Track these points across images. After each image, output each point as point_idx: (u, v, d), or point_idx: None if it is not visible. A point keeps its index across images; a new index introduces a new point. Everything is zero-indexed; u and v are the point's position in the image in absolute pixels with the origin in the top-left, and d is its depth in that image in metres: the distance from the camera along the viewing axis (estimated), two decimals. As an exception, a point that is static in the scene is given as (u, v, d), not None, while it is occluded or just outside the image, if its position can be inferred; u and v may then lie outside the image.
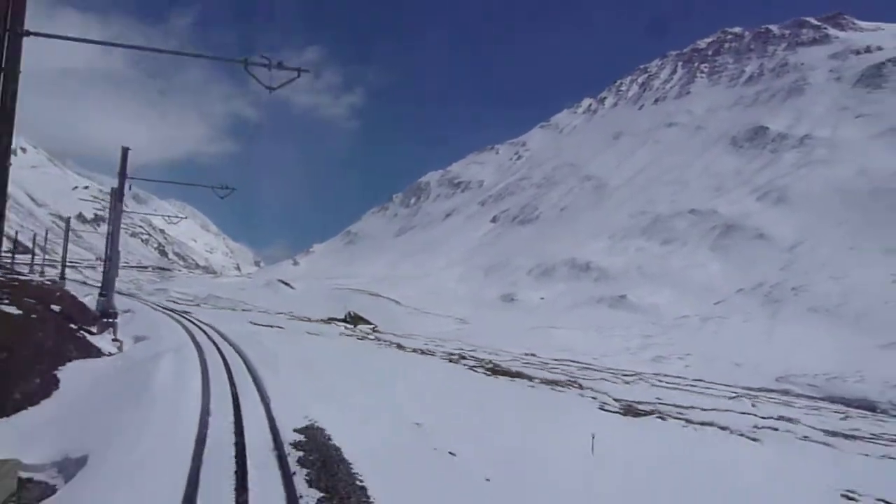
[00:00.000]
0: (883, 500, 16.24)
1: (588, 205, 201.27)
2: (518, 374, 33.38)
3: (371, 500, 9.36)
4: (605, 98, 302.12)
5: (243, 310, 78.94)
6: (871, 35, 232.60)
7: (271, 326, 42.13)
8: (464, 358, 41.11)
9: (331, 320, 73.88)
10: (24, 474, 9.13)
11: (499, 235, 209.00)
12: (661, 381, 51.95)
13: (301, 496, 9.09)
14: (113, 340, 23.30)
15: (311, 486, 9.57)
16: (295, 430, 12.37)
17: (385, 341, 47.54)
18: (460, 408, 19.55)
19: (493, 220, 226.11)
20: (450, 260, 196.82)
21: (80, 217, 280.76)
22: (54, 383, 14.67)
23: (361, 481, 10.00)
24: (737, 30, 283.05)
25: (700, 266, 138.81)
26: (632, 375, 52.97)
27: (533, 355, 61.65)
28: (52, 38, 10.15)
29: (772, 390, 63.92)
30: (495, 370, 33.49)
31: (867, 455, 24.00)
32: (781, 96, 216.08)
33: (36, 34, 9.55)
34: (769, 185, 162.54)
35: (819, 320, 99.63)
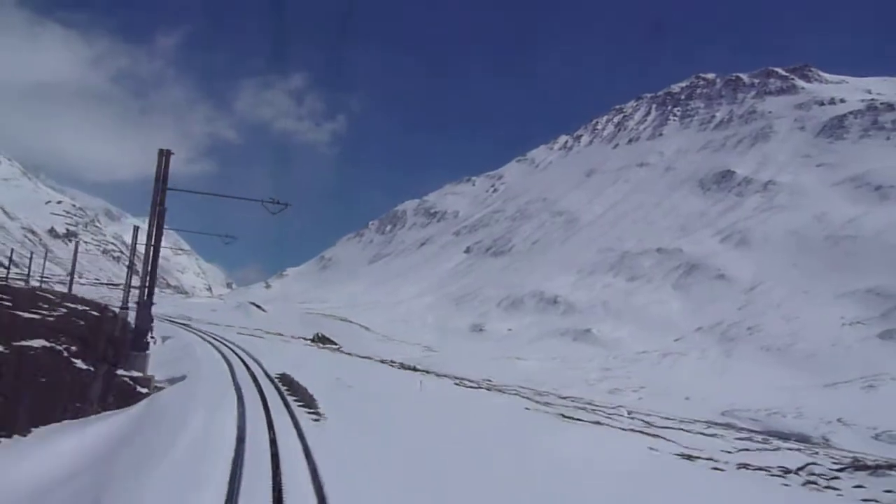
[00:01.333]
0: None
1: (559, 239, 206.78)
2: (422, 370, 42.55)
3: (316, 399, 18.43)
4: (580, 136, 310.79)
5: (227, 325, 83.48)
6: (836, 87, 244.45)
7: (253, 336, 53.21)
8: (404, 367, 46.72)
9: (299, 338, 77.25)
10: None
11: (471, 266, 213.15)
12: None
13: (284, 393, 20.37)
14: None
15: (287, 391, 20.98)
16: (277, 374, 25.27)
17: (339, 352, 60.00)
18: (363, 374, 35.20)
19: (467, 250, 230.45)
20: (421, 288, 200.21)
21: (52, 232, 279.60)
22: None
23: (312, 394, 20.11)
24: (710, 76, 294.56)
25: (662, 303, 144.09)
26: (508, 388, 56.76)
27: (489, 381, 65.22)
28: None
29: (715, 423, 68.06)
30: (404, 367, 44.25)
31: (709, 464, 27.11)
32: (748, 142, 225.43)
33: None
34: (732, 227, 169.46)
35: (770, 359, 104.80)
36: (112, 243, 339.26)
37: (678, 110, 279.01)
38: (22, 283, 72.62)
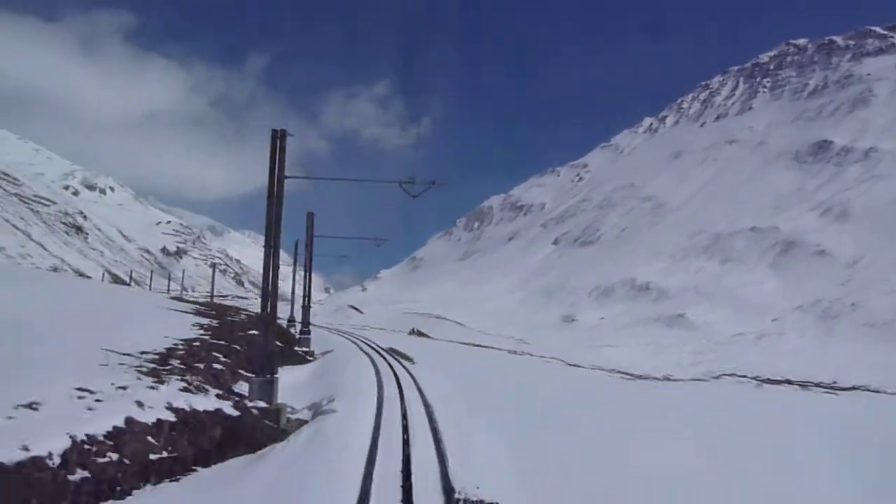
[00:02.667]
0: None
1: (647, 225, 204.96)
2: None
3: (411, 357, 22.98)
4: (665, 117, 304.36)
5: (336, 325, 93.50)
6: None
7: (360, 330, 60.60)
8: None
9: (398, 332, 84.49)
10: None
11: (559, 257, 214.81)
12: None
13: (392, 354, 29.72)
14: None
15: (394, 354, 30.72)
16: (386, 348, 33.74)
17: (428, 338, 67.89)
18: (441, 347, 40.18)
19: (555, 242, 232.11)
20: (511, 283, 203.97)
21: (164, 250, 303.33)
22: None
23: (409, 355, 29.38)
24: (800, 42, 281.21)
25: (758, 283, 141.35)
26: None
27: (577, 366, 68.80)
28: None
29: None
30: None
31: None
32: (846, 109, 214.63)
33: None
34: (831, 200, 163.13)
35: (874, 335, 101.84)
36: (218, 257, 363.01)
37: (768, 81, 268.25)
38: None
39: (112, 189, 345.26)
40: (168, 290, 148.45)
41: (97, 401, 9.28)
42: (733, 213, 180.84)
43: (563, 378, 31.66)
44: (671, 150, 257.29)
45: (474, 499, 7.54)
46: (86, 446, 7.51)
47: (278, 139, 17.43)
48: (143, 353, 14.22)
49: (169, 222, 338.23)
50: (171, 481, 8.18)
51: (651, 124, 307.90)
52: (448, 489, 7.87)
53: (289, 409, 14.39)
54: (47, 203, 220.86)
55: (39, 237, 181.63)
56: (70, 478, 6.84)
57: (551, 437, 13.28)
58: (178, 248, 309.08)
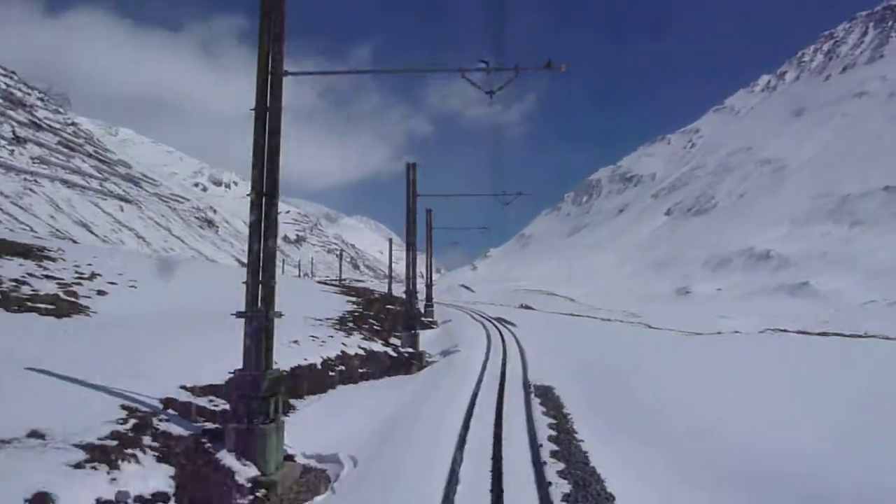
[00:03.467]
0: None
1: (766, 190, 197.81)
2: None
3: (515, 324, 29.07)
4: (784, 72, 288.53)
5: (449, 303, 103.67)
6: None
7: (471, 305, 66.11)
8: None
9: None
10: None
11: (672, 228, 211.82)
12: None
13: (499, 322, 33.37)
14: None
15: (500, 321, 35.78)
16: (494, 317, 39.15)
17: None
18: (543, 317, 46.02)
19: (667, 213, 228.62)
20: (621, 257, 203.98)
21: (286, 238, 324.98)
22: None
23: (513, 321, 34.50)
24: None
25: (891, 248, 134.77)
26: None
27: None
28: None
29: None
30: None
31: None
32: None
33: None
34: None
35: None
36: (334, 243, 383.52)
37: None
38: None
39: (235, 183, 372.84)
40: (300, 275, 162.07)
41: (322, 342, 15.30)
42: (863, 173, 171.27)
43: (628, 332, 36.33)
44: (792, 107, 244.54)
45: (537, 384, 13.12)
46: (328, 361, 13.52)
47: (410, 170, 22.48)
48: (328, 318, 20.36)
49: (288, 212, 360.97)
50: (366, 382, 14.23)
51: (769, 82, 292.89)
52: (526, 383, 13.56)
53: (427, 355, 20.17)
54: (181, 200, 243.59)
55: (179, 232, 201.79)
56: (329, 373, 12.82)
57: (592, 359, 19.19)
58: (297, 236, 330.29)
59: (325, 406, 11.69)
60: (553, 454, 8.92)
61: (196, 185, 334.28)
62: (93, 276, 20.90)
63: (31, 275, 18.28)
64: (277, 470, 7.67)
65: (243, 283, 8.44)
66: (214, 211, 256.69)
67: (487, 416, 11.07)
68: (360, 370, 15.10)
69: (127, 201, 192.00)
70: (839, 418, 11.21)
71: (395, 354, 18.18)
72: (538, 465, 8.41)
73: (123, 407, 7.87)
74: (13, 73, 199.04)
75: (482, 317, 38.16)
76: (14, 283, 16.57)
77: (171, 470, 6.60)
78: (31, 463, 5.69)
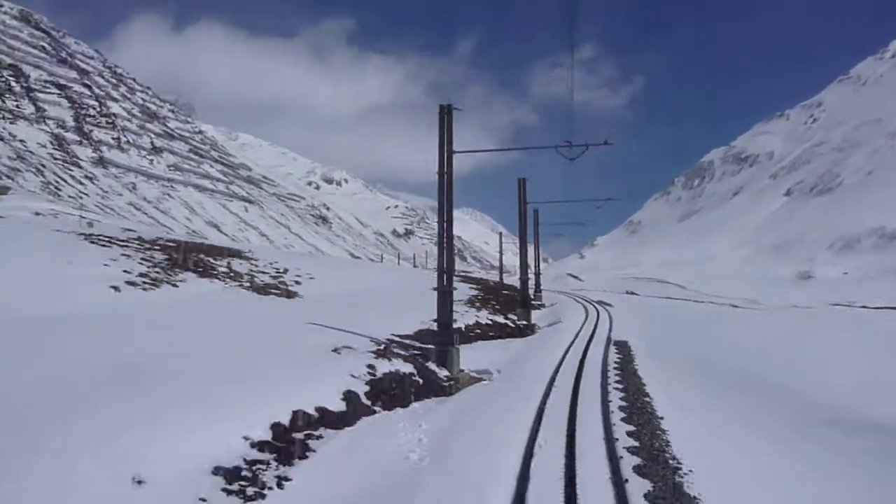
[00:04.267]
0: None
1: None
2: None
3: (612, 304, 37.54)
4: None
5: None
6: None
7: (576, 293, 70.16)
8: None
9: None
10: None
11: (792, 210, 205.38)
12: None
13: (601, 305, 35.52)
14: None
15: (601, 304, 40.30)
16: (596, 300, 44.05)
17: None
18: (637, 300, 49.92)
19: (786, 193, 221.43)
20: (736, 240, 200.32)
21: (395, 232, 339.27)
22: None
23: (611, 303, 35.71)
24: None
25: None
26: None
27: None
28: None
29: None
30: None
31: None
32: None
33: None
34: None
35: None
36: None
37: None
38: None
39: (346, 181, 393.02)
40: (415, 266, 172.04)
41: (461, 314, 22.03)
42: None
43: (713, 310, 40.91)
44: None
45: (617, 339, 19.41)
46: (468, 325, 20.35)
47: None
48: (459, 300, 27.23)
49: (396, 206, 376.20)
50: (494, 341, 20.96)
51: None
52: (608, 339, 19.89)
53: (537, 326, 26.57)
54: (298, 199, 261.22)
55: (297, 229, 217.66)
56: (470, 334, 19.68)
57: (663, 327, 25.25)
58: (405, 229, 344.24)
59: (473, 350, 18.43)
60: (615, 369, 15.17)
61: (309, 183, 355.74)
62: (285, 270, 28.73)
63: (251, 271, 26.16)
64: (458, 373, 14.41)
65: (434, 270, 15.44)
66: (328, 208, 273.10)
67: (577, 355, 17.40)
68: (489, 333, 21.76)
69: (250, 202, 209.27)
70: (861, 367, 16.68)
71: (513, 325, 24.72)
72: (605, 374, 14.69)
73: (372, 340, 14.78)
74: (148, 88, 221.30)
75: (584, 300, 43.81)
76: (250, 276, 24.36)
77: (411, 366, 13.41)
78: (356, 356, 12.62)
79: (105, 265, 18.66)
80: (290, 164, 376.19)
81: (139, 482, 6.17)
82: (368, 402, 10.54)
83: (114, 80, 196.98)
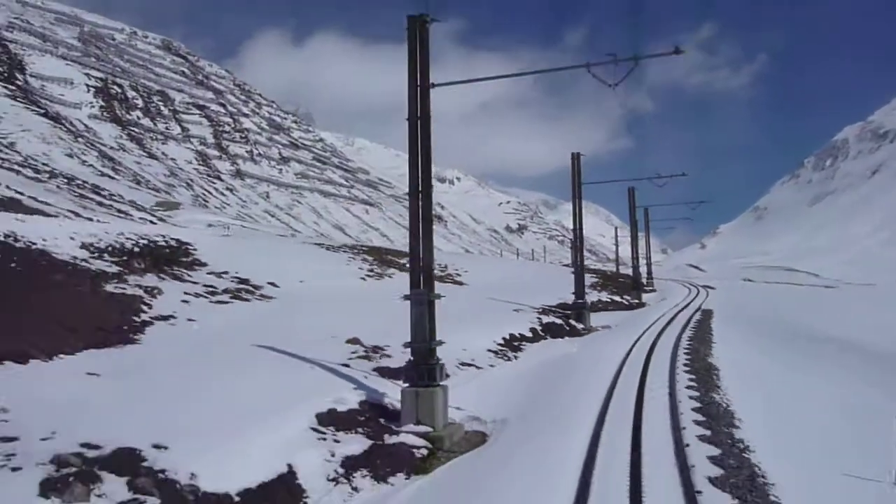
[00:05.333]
0: None
1: None
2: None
3: (715, 288, 44.45)
4: None
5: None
6: None
7: (693, 279, 74.39)
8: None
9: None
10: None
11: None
12: None
13: (703, 288, 40.61)
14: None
15: (705, 287, 45.11)
16: (702, 285, 49.72)
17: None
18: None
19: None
20: (876, 223, 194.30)
21: (508, 228, 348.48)
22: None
23: (713, 287, 45.75)
24: None
25: None
26: None
27: None
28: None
29: None
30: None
31: None
32: None
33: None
34: None
35: None
36: (555, 229, 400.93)
37: None
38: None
39: (458, 179, 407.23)
40: (533, 259, 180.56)
41: (587, 295, 31.07)
42: None
43: (803, 290, 47.00)
44: None
45: (704, 308, 27.74)
46: (593, 302, 29.39)
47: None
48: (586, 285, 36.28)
49: (508, 202, 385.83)
50: (614, 312, 29.75)
51: None
52: (698, 308, 28.27)
53: (646, 303, 35.16)
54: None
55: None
56: (598, 306, 28.77)
57: (748, 301, 33.22)
58: (518, 224, 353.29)
59: (598, 316, 27.30)
60: (695, 323, 23.78)
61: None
62: (446, 266, 38.73)
63: (444, 270, 36.46)
64: (589, 325, 23.49)
65: (565, 265, 24.68)
66: (442, 206, 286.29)
67: (669, 317, 26.01)
68: (608, 307, 30.72)
69: (370, 205, 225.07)
70: (878, 320, 24.35)
71: (626, 302, 33.49)
72: (685, 328, 23.27)
73: (531, 307, 24.05)
74: (272, 102, 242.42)
75: (691, 285, 51.09)
76: (445, 273, 34.55)
77: (560, 320, 22.61)
78: (528, 314, 21.98)
79: (346, 265, 29.17)
80: (404, 165, 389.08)
81: (464, 349, 15.80)
82: (542, 334, 19.90)
83: (243, 97, 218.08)
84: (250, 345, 12.68)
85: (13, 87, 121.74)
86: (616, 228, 72.84)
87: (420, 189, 12.24)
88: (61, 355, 10.44)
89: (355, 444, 8.94)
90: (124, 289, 15.34)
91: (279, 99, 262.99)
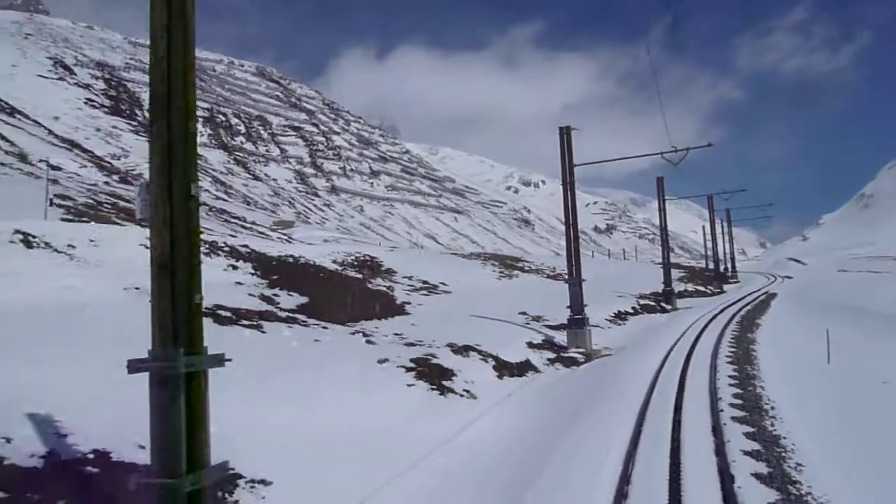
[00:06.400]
0: None
1: None
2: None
3: (792, 277, 50.64)
4: None
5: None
6: None
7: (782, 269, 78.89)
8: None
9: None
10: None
11: None
12: None
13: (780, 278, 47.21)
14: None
15: (784, 277, 49.84)
16: (784, 276, 54.44)
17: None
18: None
19: None
20: None
21: (596, 229, 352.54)
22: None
23: (791, 277, 49.82)
24: None
25: None
26: None
27: None
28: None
29: None
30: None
31: None
32: None
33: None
34: None
35: None
36: (644, 227, 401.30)
37: None
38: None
39: (543, 182, 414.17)
40: (625, 258, 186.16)
41: (674, 286, 39.65)
42: None
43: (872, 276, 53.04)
44: None
45: (770, 292, 35.98)
46: (679, 291, 38.10)
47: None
48: (678, 278, 44.81)
49: (595, 202, 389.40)
50: (698, 298, 38.24)
51: None
52: (768, 293, 36.47)
53: (726, 291, 43.43)
54: (500, 204, 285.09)
55: (503, 234, 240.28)
56: (681, 294, 37.53)
57: (815, 286, 40.81)
58: (607, 224, 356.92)
59: (683, 300, 35.79)
60: (761, 303, 32.20)
61: (508, 188, 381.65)
62: (554, 267, 48.00)
63: (538, 267, 45.70)
64: (676, 305, 32.33)
65: (659, 264, 33.64)
66: (528, 210, 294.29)
67: (742, 299, 34.36)
68: (693, 295, 39.24)
69: (458, 212, 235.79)
70: None
71: (709, 291, 41.93)
72: (747, 306, 31.69)
73: (631, 294, 33.03)
74: (360, 118, 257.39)
75: (772, 276, 58.18)
76: (538, 269, 43.87)
77: (653, 302, 31.56)
78: (630, 299, 31.06)
79: (481, 269, 39.02)
80: (489, 171, 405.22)
81: (589, 318, 25.17)
82: (640, 310, 29.00)
83: (332, 116, 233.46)
84: (467, 315, 22.38)
85: (135, 123, 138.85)
86: (703, 228, 79.83)
87: (570, 224, 22.03)
88: (382, 319, 20.45)
89: (549, 353, 18.60)
90: (375, 286, 25.50)
91: (365, 114, 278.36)
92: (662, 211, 33.63)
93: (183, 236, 5.42)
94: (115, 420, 7.00)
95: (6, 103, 78.55)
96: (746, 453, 8.79)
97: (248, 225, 53.29)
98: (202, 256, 10.72)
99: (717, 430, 9.94)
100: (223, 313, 14.61)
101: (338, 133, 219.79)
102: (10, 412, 6.85)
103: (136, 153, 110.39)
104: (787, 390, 12.82)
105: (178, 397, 5.27)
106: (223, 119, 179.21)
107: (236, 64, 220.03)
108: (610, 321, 25.37)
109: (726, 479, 7.87)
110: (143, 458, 6.07)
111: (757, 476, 7.99)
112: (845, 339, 18.69)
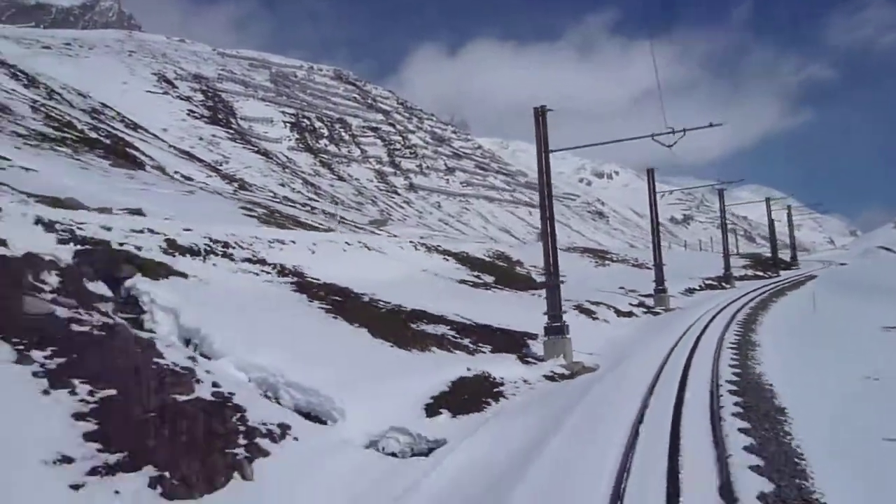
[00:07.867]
0: None
1: None
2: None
3: (846, 264, 63.58)
4: None
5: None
6: None
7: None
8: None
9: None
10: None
11: None
12: None
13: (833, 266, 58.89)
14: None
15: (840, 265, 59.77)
16: (838, 263, 65.59)
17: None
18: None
19: None
20: None
21: (672, 219, 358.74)
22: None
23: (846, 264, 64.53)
24: None
25: None
26: None
27: None
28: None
29: None
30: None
31: None
32: None
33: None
34: None
35: None
36: (727, 217, 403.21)
37: None
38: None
39: (616, 173, 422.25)
40: (701, 250, 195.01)
41: (736, 271, 51.72)
42: None
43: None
44: None
45: (808, 274, 48.36)
46: (739, 275, 50.78)
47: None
48: (736, 266, 56.79)
49: (671, 192, 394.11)
50: (753, 281, 50.73)
51: None
52: (814, 277, 48.82)
53: (781, 275, 55.40)
54: (573, 197, 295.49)
55: (577, 226, 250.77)
56: (739, 278, 50.25)
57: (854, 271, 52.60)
58: (683, 215, 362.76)
59: (740, 282, 48.11)
60: (800, 284, 44.59)
61: (581, 180, 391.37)
62: (638, 259, 60.81)
63: (616, 258, 58.66)
64: (733, 283, 45.04)
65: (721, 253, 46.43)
66: (602, 202, 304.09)
67: (786, 281, 46.62)
68: (751, 279, 51.55)
69: (533, 206, 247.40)
70: None
71: (766, 275, 54.15)
72: (791, 284, 44.03)
73: (699, 278, 45.81)
74: (432, 115, 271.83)
75: (828, 262, 68.84)
76: (611, 260, 56.86)
77: (716, 283, 44.33)
78: (691, 281, 43.99)
79: (580, 259, 52.41)
80: (560, 163, 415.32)
81: (670, 290, 38.41)
82: (705, 289, 41.91)
83: (407, 115, 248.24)
84: (588, 289, 35.92)
85: (231, 131, 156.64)
86: (790, 207, 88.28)
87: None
88: (536, 291, 34.30)
89: (642, 309, 32.17)
90: (530, 273, 39.57)
91: (436, 110, 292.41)
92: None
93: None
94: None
95: (129, 119, 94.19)
96: (737, 333, 22.15)
97: (361, 226, 63.46)
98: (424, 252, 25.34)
99: (728, 327, 23.37)
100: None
101: (413, 132, 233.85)
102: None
103: (235, 159, 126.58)
104: (775, 319, 25.98)
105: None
106: (308, 123, 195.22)
107: (315, 69, 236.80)
108: (682, 294, 38.42)
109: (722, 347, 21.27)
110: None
111: (731, 346, 21.33)
112: (843, 304, 31.31)
